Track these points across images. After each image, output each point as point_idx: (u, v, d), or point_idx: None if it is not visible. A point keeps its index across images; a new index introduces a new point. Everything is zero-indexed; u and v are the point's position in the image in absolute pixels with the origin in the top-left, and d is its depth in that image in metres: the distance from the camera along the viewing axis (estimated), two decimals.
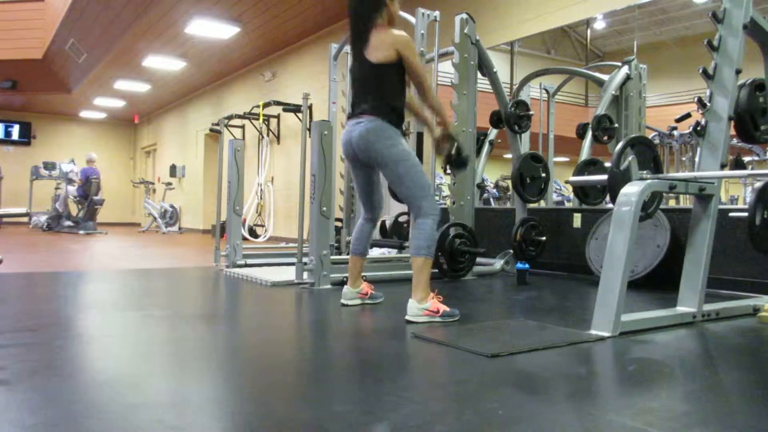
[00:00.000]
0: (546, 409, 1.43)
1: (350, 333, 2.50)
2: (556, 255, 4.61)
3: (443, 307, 2.52)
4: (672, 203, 4.38)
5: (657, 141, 4.94)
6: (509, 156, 4.59)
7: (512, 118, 4.41)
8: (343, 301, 2.90)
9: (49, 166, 12.31)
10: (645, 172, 2.54)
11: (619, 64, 4.86)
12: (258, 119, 8.97)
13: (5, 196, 12.66)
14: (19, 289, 3.54)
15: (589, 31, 5.58)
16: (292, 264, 4.03)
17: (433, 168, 4.44)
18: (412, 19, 4.26)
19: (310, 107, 4.41)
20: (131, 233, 11.23)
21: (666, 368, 1.91)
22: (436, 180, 5.81)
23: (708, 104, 2.66)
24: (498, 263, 4.56)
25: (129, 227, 14.21)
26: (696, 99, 2.69)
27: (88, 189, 10.49)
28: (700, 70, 2.68)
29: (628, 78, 4.77)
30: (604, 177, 2.58)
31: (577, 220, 4.54)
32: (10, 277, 3.94)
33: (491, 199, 6.56)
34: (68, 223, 10.81)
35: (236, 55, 9.28)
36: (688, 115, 4.62)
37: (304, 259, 3.64)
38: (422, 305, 2.49)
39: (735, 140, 3.12)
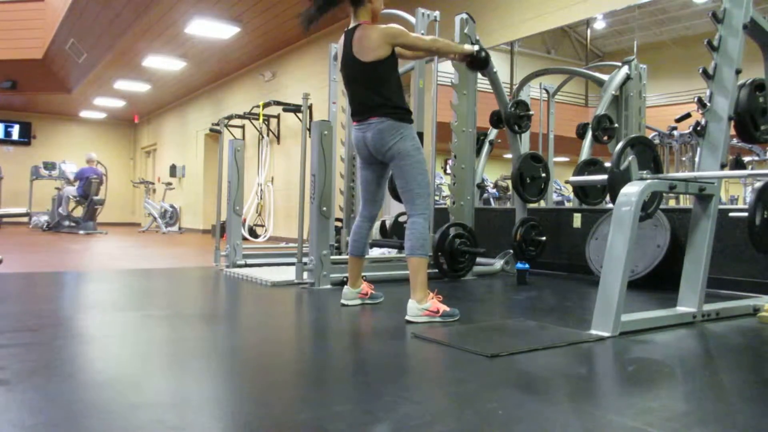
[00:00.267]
0: (546, 409, 1.43)
1: (350, 333, 2.50)
2: (556, 255, 4.61)
3: (443, 307, 2.52)
4: (672, 203, 4.38)
5: (657, 141, 4.93)
6: (509, 156, 4.59)
7: (512, 118, 4.41)
8: (343, 301, 2.90)
9: (49, 166, 12.31)
10: (645, 172, 2.54)
11: (619, 64, 4.85)
12: (258, 119, 8.97)
13: (5, 196, 12.66)
14: (19, 289, 3.54)
15: (589, 31, 5.58)
16: (292, 264, 4.03)
17: (433, 168, 4.44)
18: (412, 19, 4.26)
19: (310, 107, 4.41)
20: (131, 233, 11.23)
21: (666, 368, 1.91)
22: (436, 180, 5.81)
23: (708, 104, 2.66)
24: (498, 263, 4.56)
25: (129, 227, 14.21)
26: (696, 99, 2.69)
27: (88, 189, 10.49)
28: (700, 70, 2.68)
29: (628, 78, 4.77)
30: (604, 177, 2.58)
31: (577, 220, 4.54)
32: (10, 277, 3.94)
33: (491, 199, 6.56)
34: (68, 223, 10.81)
35: (236, 55, 9.28)
36: (688, 115, 4.62)
37: (304, 259, 3.64)
38: (422, 305, 2.49)
39: (735, 140, 3.12)
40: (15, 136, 14.68)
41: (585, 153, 4.65)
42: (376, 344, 2.24)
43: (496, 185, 6.69)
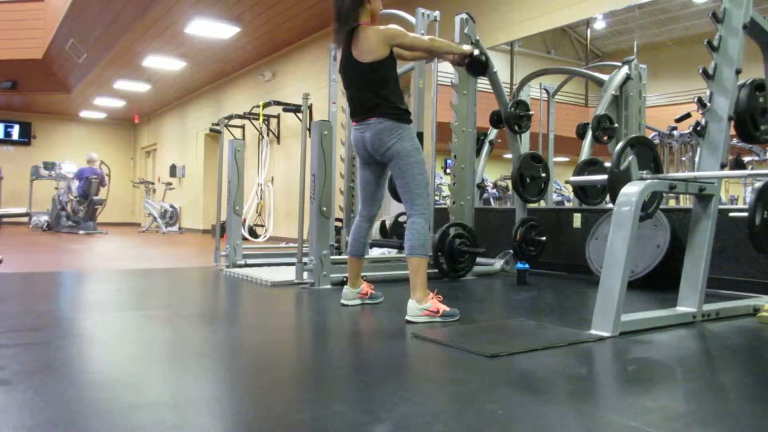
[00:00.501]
0: (546, 409, 1.43)
1: (350, 333, 2.50)
2: (556, 255, 4.61)
3: (443, 307, 2.52)
4: (672, 203, 4.38)
5: (657, 141, 4.93)
6: (509, 156, 4.59)
7: (512, 118, 4.41)
8: (343, 301, 2.90)
9: (49, 166, 12.31)
10: (645, 172, 2.54)
11: (619, 64, 4.85)
12: (258, 119, 8.97)
13: (5, 196, 12.66)
14: (19, 289, 3.54)
15: (589, 31, 5.58)
16: (292, 264, 4.03)
17: (433, 168, 4.44)
18: (412, 19, 4.26)
19: (310, 107, 4.41)
20: (131, 233, 11.23)
21: (666, 368, 1.91)
22: (436, 180, 5.81)
23: (708, 104, 2.66)
24: (498, 263, 4.56)
25: (129, 227, 14.21)
26: (696, 99, 2.69)
27: (88, 189, 10.49)
28: (700, 70, 2.68)
29: (628, 78, 4.77)
30: (604, 177, 2.58)
31: (577, 220, 4.54)
32: (10, 277, 3.94)
33: (491, 199, 6.56)
34: (68, 223, 10.82)
35: (236, 55, 9.28)
36: (688, 115, 4.62)
37: (304, 259, 3.64)
38: (422, 305, 2.49)
39: (735, 140, 3.12)
40: (15, 136, 14.68)
41: (585, 153, 4.65)
42: (376, 344, 2.24)
43: (495, 185, 6.69)
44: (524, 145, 4.87)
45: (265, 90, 9.43)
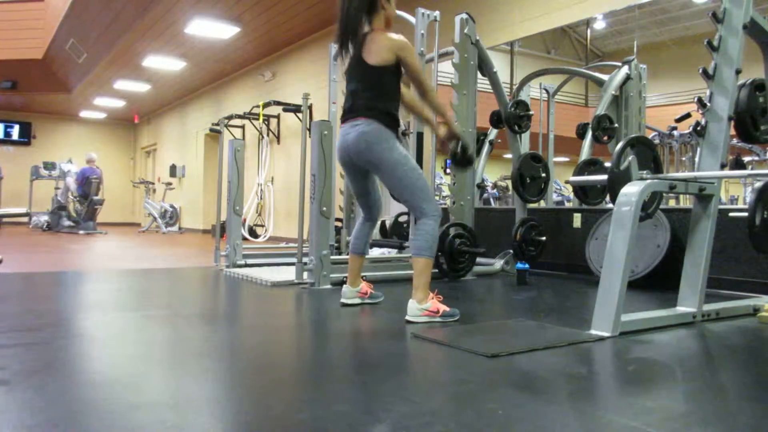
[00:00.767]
0: (546, 409, 1.43)
1: (350, 333, 2.50)
2: (556, 255, 4.61)
3: (443, 307, 2.52)
4: (672, 203, 4.38)
5: (657, 141, 4.94)
6: (509, 156, 4.60)
7: (512, 118, 4.41)
8: (342, 300, 2.90)
9: (49, 166, 12.32)
10: (645, 172, 2.54)
11: (619, 64, 4.85)
12: (258, 119, 8.98)
13: (5, 196, 12.66)
14: (19, 289, 3.54)
15: (589, 31, 5.58)
16: (292, 264, 4.03)
17: (433, 168, 4.45)
18: (412, 19, 4.26)
19: (310, 107, 4.41)
20: (131, 233, 11.23)
21: (666, 368, 1.91)
22: (436, 180, 5.81)
23: (708, 104, 2.66)
24: (498, 263, 4.56)
25: (129, 227, 14.21)
26: (696, 99, 2.69)
27: (88, 189, 10.49)
28: (700, 70, 2.68)
29: (628, 78, 4.77)
30: (604, 177, 2.58)
31: (577, 220, 4.54)
32: (10, 277, 3.94)
33: (491, 199, 6.56)
34: (68, 223, 10.82)
35: (236, 55, 9.28)
36: (688, 115, 4.62)
37: (304, 259, 3.64)
38: (422, 305, 2.49)
39: (735, 140, 3.12)
40: (15, 136, 14.68)
41: (585, 153, 4.65)
42: (376, 344, 2.24)
43: (495, 185, 6.70)
44: (524, 145, 4.87)
45: (265, 90, 9.43)
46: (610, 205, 2.98)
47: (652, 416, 1.37)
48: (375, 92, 2.59)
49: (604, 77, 4.94)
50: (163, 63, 9.70)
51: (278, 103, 8.14)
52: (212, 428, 1.31)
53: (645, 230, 3.74)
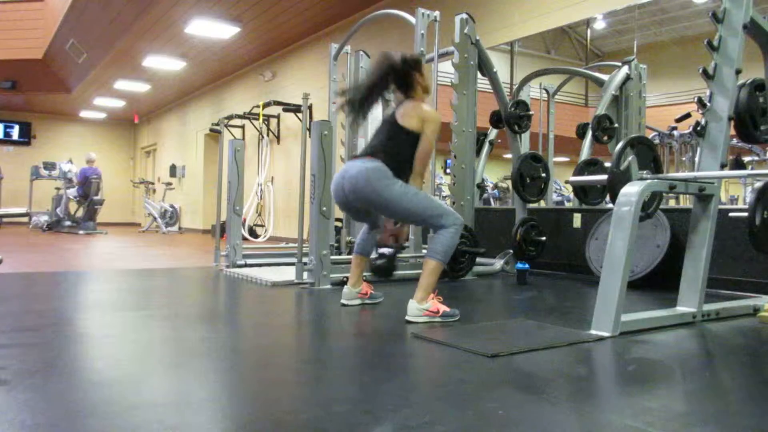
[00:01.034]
0: (546, 409, 1.43)
1: (350, 333, 2.50)
2: (556, 255, 4.61)
3: (443, 308, 2.52)
4: (672, 203, 4.38)
5: (657, 141, 4.93)
6: (509, 156, 4.59)
7: (512, 118, 4.41)
8: (343, 300, 2.90)
9: (49, 166, 12.32)
10: (645, 172, 2.54)
11: (619, 64, 4.85)
12: (258, 119, 8.98)
13: (5, 196, 12.66)
14: (19, 289, 3.54)
15: (589, 31, 5.58)
16: (292, 264, 4.03)
17: (433, 168, 4.44)
18: (412, 19, 4.26)
19: (310, 107, 4.41)
20: (131, 233, 11.23)
21: (666, 368, 1.91)
22: (436, 180, 5.81)
23: (708, 104, 2.67)
24: (498, 263, 4.56)
25: (129, 227, 14.21)
26: (696, 99, 2.69)
27: (88, 189, 10.49)
28: (700, 70, 2.68)
29: (628, 78, 4.77)
30: (604, 177, 2.58)
31: (577, 220, 4.54)
32: (10, 277, 3.94)
33: (491, 199, 6.56)
34: (68, 223, 10.82)
35: (236, 55, 9.27)
36: (688, 115, 4.62)
37: (304, 259, 3.64)
38: (422, 305, 2.49)
39: (735, 140, 3.12)
40: (15, 136, 14.68)
41: (585, 153, 4.65)
42: (376, 344, 2.24)
43: (496, 187, 6.70)
44: (524, 145, 4.87)
45: (265, 90, 9.43)
46: (610, 205, 2.98)
47: (652, 416, 1.37)
48: (392, 145, 2.63)
49: (604, 77, 4.94)
50: (163, 63, 9.70)
51: (278, 103, 8.14)
52: (212, 428, 1.31)
53: (645, 230, 3.74)
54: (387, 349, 2.12)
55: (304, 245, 3.71)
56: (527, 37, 5.44)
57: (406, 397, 1.49)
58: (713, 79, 2.66)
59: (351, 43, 5.08)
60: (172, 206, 11.90)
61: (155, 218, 11.75)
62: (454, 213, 2.60)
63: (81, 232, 10.31)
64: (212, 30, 7.93)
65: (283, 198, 8.98)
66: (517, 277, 3.86)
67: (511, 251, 4.45)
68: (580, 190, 4.34)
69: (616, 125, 4.72)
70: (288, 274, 3.88)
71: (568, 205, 6.04)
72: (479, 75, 4.38)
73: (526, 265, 3.88)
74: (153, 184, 12.99)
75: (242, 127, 9.84)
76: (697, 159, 2.70)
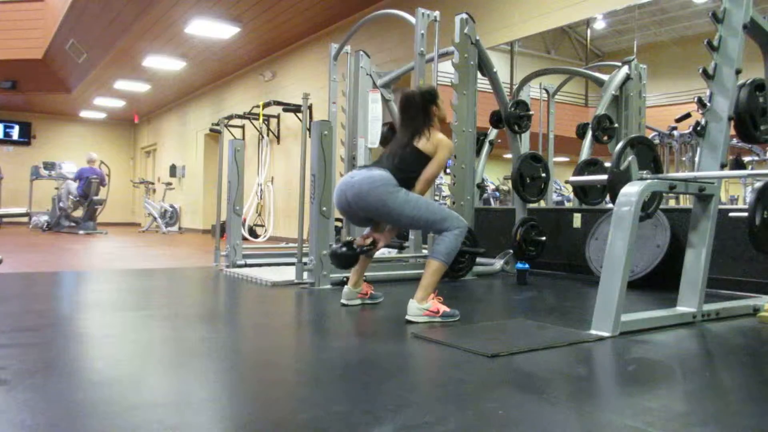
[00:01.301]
0: (546, 409, 1.43)
1: (350, 333, 2.50)
2: (556, 255, 4.61)
3: (443, 308, 2.52)
4: (672, 203, 4.38)
5: (657, 141, 4.93)
6: (509, 156, 4.59)
7: (512, 118, 4.41)
8: (343, 300, 2.90)
9: (49, 166, 12.32)
10: (645, 172, 2.54)
11: (619, 64, 4.85)
12: (258, 119, 8.98)
13: (5, 196, 12.67)
14: (19, 289, 3.54)
15: (589, 31, 5.58)
16: (292, 264, 4.03)
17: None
18: (412, 19, 4.25)
19: (310, 107, 4.41)
20: (131, 233, 11.23)
21: (666, 368, 1.91)
22: (436, 180, 5.81)
23: (708, 104, 2.67)
24: (498, 263, 4.56)
25: (129, 227, 14.21)
26: (696, 99, 2.69)
27: (88, 189, 10.49)
28: (700, 70, 2.68)
29: (628, 78, 4.77)
30: (604, 177, 2.58)
31: (577, 220, 4.54)
32: (10, 277, 3.94)
33: (491, 199, 6.56)
34: (68, 223, 10.81)
35: (236, 55, 9.28)
36: (688, 115, 4.62)
37: (304, 259, 3.64)
38: (422, 305, 2.49)
39: (735, 140, 3.12)
40: (15, 136, 14.68)
41: (585, 153, 4.65)
42: (376, 344, 2.24)
43: (497, 189, 6.70)
44: (524, 145, 4.87)
45: (265, 90, 9.43)
46: (610, 205, 2.98)
47: (652, 416, 1.37)
48: (402, 160, 2.65)
49: (604, 77, 4.94)
50: (163, 63, 9.70)
51: (278, 103, 8.14)
52: (212, 428, 1.31)
53: (645, 230, 3.74)
54: (387, 349, 2.12)
55: (304, 245, 3.71)
56: (527, 37, 5.44)
57: (406, 397, 1.49)
58: (713, 79, 2.66)
59: (351, 43, 5.08)
60: (172, 206, 11.90)
61: (155, 218, 11.75)
62: (458, 217, 2.63)
63: (81, 232, 10.31)
64: (212, 30, 7.94)
65: (283, 198, 8.98)
66: (517, 277, 3.86)
67: (511, 251, 4.45)
68: (580, 190, 4.34)
69: (616, 125, 4.72)
70: (288, 274, 3.88)
71: (568, 205, 6.04)
72: (479, 75, 4.38)
73: (526, 265, 3.88)
74: (153, 184, 12.99)
75: (242, 127, 9.84)
76: (697, 159, 2.70)
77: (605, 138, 4.70)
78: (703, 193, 2.55)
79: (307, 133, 3.73)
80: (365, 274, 2.97)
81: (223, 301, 3.42)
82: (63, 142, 15.13)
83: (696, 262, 2.57)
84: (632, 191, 2.34)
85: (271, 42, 8.57)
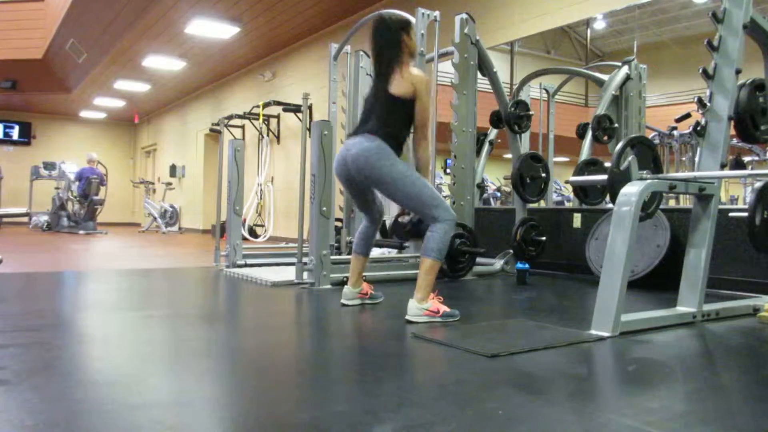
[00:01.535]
0: (546, 409, 1.43)
1: (350, 333, 2.50)
2: (556, 255, 4.61)
3: (443, 308, 2.52)
4: (672, 203, 4.38)
5: (657, 141, 4.93)
6: (509, 156, 4.59)
7: (512, 118, 4.41)
8: (343, 301, 2.90)
9: (49, 166, 12.32)
10: (645, 172, 2.54)
11: (619, 64, 4.85)
12: (258, 119, 8.98)
13: (5, 196, 12.67)
14: (19, 289, 3.54)
15: (589, 31, 5.58)
16: (292, 264, 4.03)
17: (433, 168, 4.44)
18: (412, 19, 4.24)
19: (310, 107, 4.41)
20: (131, 233, 11.23)
21: (666, 368, 1.91)
22: (436, 180, 5.81)
23: (708, 104, 2.67)
24: (498, 263, 4.56)
25: (129, 227, 14.21)
26: (696, 99, 2.69)
27: (88, 189, 10.49)
28: (700, 70, 2.68)
29: (628, 78, 4.77)
30: (604, 177, 2.58)
31: (577, 220, 4.54)
32: (10, 277, 3.94)
33: (491, 199, 6.56)
34: (68, 223, 10.82)
35: (236, 55, 9.28)
36: (688, 115, 4.62)
37: (304, 259, 3.64)
38: (422, 305, 2.49)
39: (735, 140, 3.12)
40: (15, 136, 14.68)
41: (585, 153, 4.65)
42: (376, 344, 2.24)
43: (499, 189, 6.70)
44: (524, 145, 4.87)
45: (265, 90, 9.43)
46: (610, 205, 2.98)
47: (652, 416, 1.37)
48: (386, 117, 2.62)
49: (604, 77, 4.94)
50: (163, 63, 9.70)
51: (278, 103, 8.14)
52: (212, 428, 1.31)
53: (645, 230, 3.74)
54: (387, 349, 2.12)
55: (304, 245, 3.71)
56: (527, 37, 5.43)
57: (407, 397, 1.49)
58: (713, 79, 2.66)
59: (351, 43, 5.08)
60: (172, 206, 11.90)
61: (155, 218, 11.75)
62: (448, 208, 2.61)
63: (81, 232, 10.31)
64: (212, 30, 7.94)
65: (283, 198, 8.98)
66: (517, 277, 3.86)
67: (511, 251, 4.45)
68: (580, 190, 4.34)
69: (616, 125, 4.72)
70: (288, 274, 3.88)
71: (568, 205, 6.04)
72: (479, 75, 4.38)
73: (526, 265, 3.88)
74: (153, 184, 12.99)
75: (242, 127, 9.84)
76: (697, 159, 2.70)
77: (605, 138, 4.70)
78: (703, 193, 2.55)
79: (307, 133, 3.73)
80: (364, 273, 2.97)
81: (223, 301, 3.42)
82: (63, 142, 15.13)
83: (696, 262, 2.57)
84: (632, 191, 2.34)
85: (271, 42, 8.57)
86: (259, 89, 9.62)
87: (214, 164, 9.88)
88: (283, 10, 7.23)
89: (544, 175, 4.44)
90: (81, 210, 10.65)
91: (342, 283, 3.42)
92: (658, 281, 3.60)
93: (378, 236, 5.28)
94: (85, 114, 14.87)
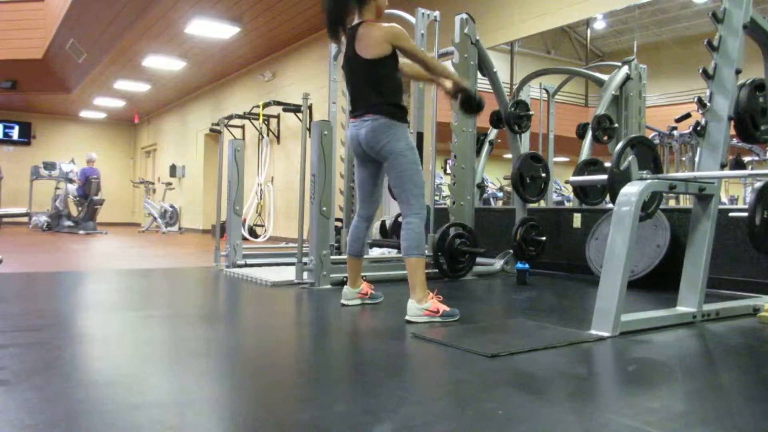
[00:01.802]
0: (546, 409, 1.43)
1: (350, 333, 2.50)
2: (556, 255, 4.61)
3: (443, 307, 2.52)
4: (672, 203, 4.38)
5: (657, 141, 4.93)
6: (509, 156, 4.59)
7: (512, 118, 4.41)
8: (343, 301, 2.90)
9: (49, 166, 12.32)
10: (645, 172, 2.54)
11: (619, 64, 4.85)
12: (258, 119, 8.98)
13: (5, 196, 12.67)
14: (19, 289, 3.54)
15: (589, 31, 5.58)
16: (292, 264, 4.03)
17: (433, 168, 4.44)
18: (412, 19, 4.26)
19: (310, 107, 4.41)
20: (131, 233, 11.23)
21: (666, 368, 1.91)
22: (436, 180, 5.81)
23: (708, 104, 2.67)
24: (498, 263, 4.56)
25: (129, 227, 14.21)
26: (696, 99, 2.69)
27: (88, 189, 10.49)
28: (700, 70, 2.68)
29: (628, 78, 4.77)
30: (604, 177, 2.58)
31: (577, 220, 4.54)
32: (10, 277, 3.94)
33: (491, 199, 6.56)
34: (68, 223, 10.82)
35: (236, 55, 9.28)
36: (688, 115, 4.62)
37: (304, 259, 3.64)
38: (422, 305, 2.49)
39: (735, 140, 3.12)
40: (15, 136, 14.68)
41: (585, 153, 4.65)
42: (376, 344, 2.24)
43: (501, 189, 6.70)
44: (524, 145, 4.87)
45: (265, 90, 9.43)
46: (610, 205, 2.98)
47: (652, 416, 1.37)
48: (376, 87, 2.60)
49: (604, 77, 4.94)
50: (163, 63, 9.70)
51: (278, 103, 8.14)
52: (212, 428, 1.31)
53: (645, 230, 3.74)
54: (387, 349, 2.12)
55: (304, 245, 3.71)
56: (527, 37, 5.43)
57: (406, 397, 1.49)
58: (713, 79, 2.66)
59: None
60: (172, 206, 11.90)
61: (155, 218, 11.75)
62: (424, 202, 2.65)
63: (81, 232, 10.31)
64: (212, 30, 7.94)
65: (283, 198, 8.98)
66: (517, 277, 3.86)
67: (511, 251, 4.45)
68: (580, 190, 4.34)
69: (616, 125, 4.72)
70: (288, 274, 3.88)
71: (568, 205, 6.04)
72: (479, 75, 4.38)
73: (526, 265, 3.88)
74: (153, 184, 12.99)
75: (242, 127, 9.84)
76: (697, 159, 2.70)
77: (605, 138, 4.70)
78: (703, 193, 2.55)
79: (307, 133, 3.73)
80: (364, 274, 2.97)
81: (223, 301, 3.42)
82: (63, 142, 15.13)
83: (696, 262, 2.57)
84: (632, 191, 2.34)
85: (271, 42, 8.57)
86: (259, 89, 9.61)
87: (214, 164, 9.88)
88: (283, 10, 7.23)
89: (544, 175, 4.44)
90: (80, 209, 10.65)
91: (342, 283, 3.42)
92: (658, 281, 3.60)
93: (378, 236, 5.32)
94: (85, 114, 14.87)
